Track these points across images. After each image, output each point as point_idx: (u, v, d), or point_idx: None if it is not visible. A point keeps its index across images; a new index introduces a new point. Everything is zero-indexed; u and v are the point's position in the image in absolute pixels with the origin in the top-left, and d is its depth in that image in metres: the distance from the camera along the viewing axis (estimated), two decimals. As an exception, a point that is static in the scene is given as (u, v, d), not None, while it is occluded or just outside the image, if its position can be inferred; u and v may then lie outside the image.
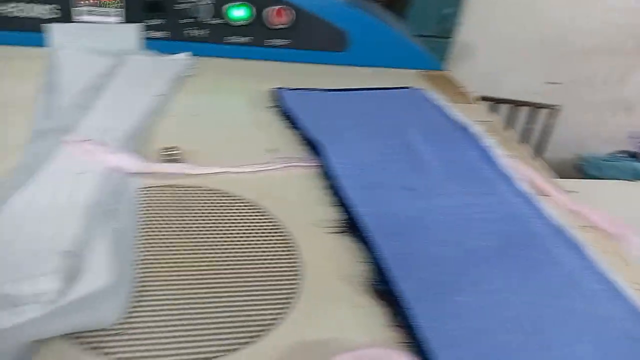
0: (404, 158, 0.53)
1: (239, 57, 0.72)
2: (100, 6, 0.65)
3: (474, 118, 0.63)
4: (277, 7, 0.70)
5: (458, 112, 0.64)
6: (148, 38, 0.68)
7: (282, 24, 0.71)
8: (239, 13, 0.69)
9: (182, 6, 0.68)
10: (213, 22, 0.70)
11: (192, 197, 0.46)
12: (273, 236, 0.43)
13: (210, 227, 0.43)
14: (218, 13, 0.69)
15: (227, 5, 0.68)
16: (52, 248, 0.37)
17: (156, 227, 0.42)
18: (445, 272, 0.39)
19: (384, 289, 0.37)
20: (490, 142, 0.57)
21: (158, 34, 0.69)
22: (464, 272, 0.39)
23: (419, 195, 0.47)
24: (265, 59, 0.73)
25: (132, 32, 0.67)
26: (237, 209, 0.45)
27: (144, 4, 0.66)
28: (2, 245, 0.37)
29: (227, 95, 0.64)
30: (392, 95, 0.67)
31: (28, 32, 0.64)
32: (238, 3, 0.69)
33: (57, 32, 0.64)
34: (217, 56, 0.71)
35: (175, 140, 0.51)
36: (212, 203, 0.45)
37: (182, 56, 0.68)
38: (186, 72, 0.65)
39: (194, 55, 0.69)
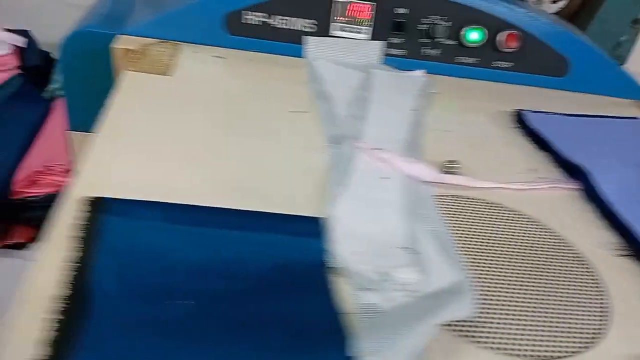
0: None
1: (465, 76, 0.76)
2: (355, 24, 0.71)
3: None
4: (510, 32, 0.73)
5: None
6: (387, 55, 0.74)
7: (512, 48, 0.74)
8: (474, 36, 0.73)
9: (423, 27, 0.73)
10: (447, 42, 0.74)
11: (477, 208, 0.50)
12: (566, 253, 0.46)
13: (505, 239, 0.47)
14: (452, 34, 0.74)
15: (465, 28, 0.73)
16: (387, 244, 0.43)
17: (455, 234, 0.46)
18: None
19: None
20: None
21: (396, 52, 0.74)
22: None
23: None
24: (489, 80, 0.77)
25: (378, 49, 0.73)
26: (521, 224, 0.49)
27: (391, 23, 0.72)
28: (349, 237, 0.43)
29: (468, 113, 0.69)
30: (628, 124, 0.68)
31: (289, 43, 0.72)
32: (474, 26, 0.73)
33: (312, 44, 0.72)
34: (446, 75, 0.76)
35: (437, 153, 0.56)
36: (496, 216, 0.50)
37: (419, 73, 0.73)
38: (430, 89, 0.70)
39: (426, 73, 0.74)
